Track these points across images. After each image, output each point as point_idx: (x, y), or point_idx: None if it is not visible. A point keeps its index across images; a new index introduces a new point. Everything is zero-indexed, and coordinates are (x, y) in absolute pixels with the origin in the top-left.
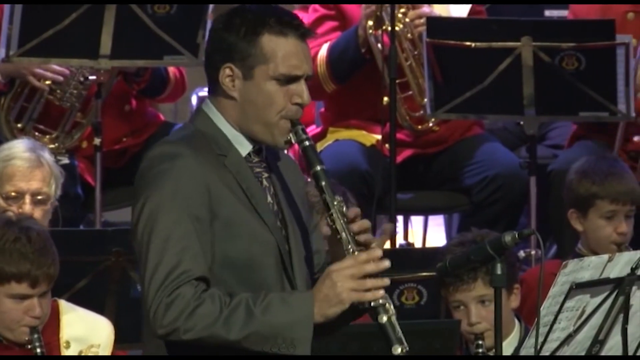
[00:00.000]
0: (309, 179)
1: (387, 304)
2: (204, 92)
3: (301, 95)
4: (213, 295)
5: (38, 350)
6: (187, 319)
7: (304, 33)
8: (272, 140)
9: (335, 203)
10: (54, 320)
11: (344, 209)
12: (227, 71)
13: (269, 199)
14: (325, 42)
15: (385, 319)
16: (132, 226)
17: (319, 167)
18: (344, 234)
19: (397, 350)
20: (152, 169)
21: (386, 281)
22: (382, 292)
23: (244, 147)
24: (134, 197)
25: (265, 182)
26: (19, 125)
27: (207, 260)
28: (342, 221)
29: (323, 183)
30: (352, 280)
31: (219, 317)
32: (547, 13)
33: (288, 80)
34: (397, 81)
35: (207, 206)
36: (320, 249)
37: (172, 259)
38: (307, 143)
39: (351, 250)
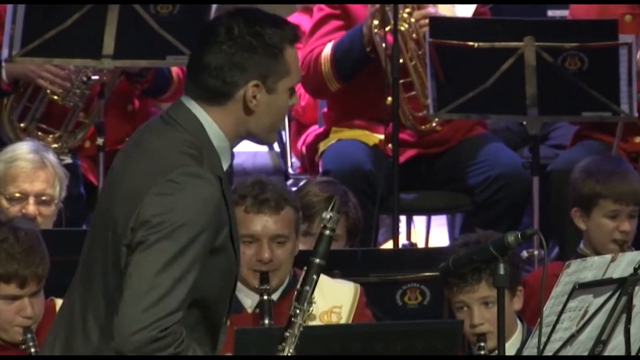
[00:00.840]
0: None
1: None
2: None
3: (296, 99)
4: (187, 350)
5: (32, 350)
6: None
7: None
8: (267, 139)
9: (311, 309)
10: (50, 319)
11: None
12: (254, 89)
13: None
14: (330, 41)
15: None
16: (152, 216)
17: (318, 260)
18: (293, 335)
19: None
20: (188, 186)
21: None
22: None
23: (226, 162)
24: (160, 194)
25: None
26: (22, 125)
27: None
28: (300, 323)
29: (314, 277)
30: None
31: None
32: (550, 13)
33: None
34: (401, 81)
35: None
36: None
37: (178, 297)
38: (327, 233)
39: (288, 351)
